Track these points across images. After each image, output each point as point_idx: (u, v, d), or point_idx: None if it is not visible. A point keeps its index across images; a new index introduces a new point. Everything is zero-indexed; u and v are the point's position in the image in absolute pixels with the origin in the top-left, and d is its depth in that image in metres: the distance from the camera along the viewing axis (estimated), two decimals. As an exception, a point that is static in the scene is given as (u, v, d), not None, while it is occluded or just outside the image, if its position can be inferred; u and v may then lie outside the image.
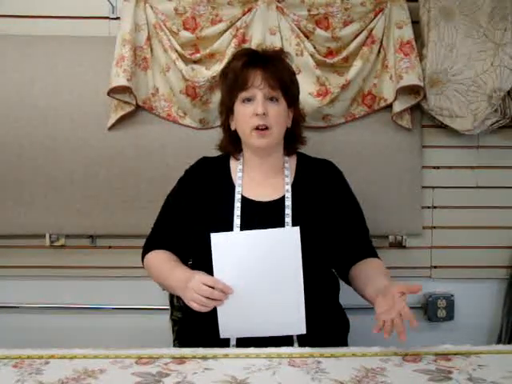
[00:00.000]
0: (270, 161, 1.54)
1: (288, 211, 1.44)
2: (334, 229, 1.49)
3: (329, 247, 1.48)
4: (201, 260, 1.45)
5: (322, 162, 1.60)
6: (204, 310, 1.30)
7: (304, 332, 1.30)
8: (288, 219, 1.43)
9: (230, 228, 1.42)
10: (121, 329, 2.15)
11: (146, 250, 1.57)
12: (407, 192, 2.05)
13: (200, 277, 1.31)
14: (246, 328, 1.32)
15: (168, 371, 1.14)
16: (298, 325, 1.30)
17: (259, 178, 1.54)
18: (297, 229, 1.27)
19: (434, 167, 2.11)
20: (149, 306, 2.14)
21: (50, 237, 2.05)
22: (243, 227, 1.42)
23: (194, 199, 1.52)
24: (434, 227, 2.13)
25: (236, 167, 1.55)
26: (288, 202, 1.46)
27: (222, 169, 1.57)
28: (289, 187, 1.49)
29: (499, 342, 2.14)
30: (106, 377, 1.12)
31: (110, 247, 2.11)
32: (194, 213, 1.51)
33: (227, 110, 1.54)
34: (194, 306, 1.31)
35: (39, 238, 2.06)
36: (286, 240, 1.27)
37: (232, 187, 1.51)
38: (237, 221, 1.43)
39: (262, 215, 1.44)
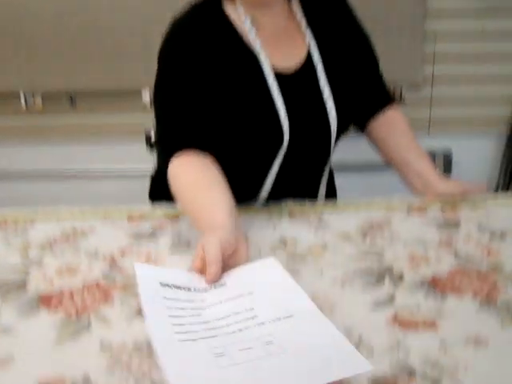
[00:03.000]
0: (274, 13, 1.16)
1: (323, 81, 1.16)
2: (356, 77, 1.24)
3: (356, 104, 1.25)
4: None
5: None
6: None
7: (370, 368, 0.68)
8: (327, 92, 1.15)
9: (272, 110, 1.10)
10: (106, 195, 2.09)
11: (171, 153, 1.08)
12: (408, 40, 1.93)
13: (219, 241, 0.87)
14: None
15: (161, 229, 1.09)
16: (354, 359, 0.71)
17: (270, 38, 1.15)
18: (273, 259, 0.90)
19: (438, 12, 1.96)
20: (136, 171, 2.06)
21: (25, 96, 1.90)
22: (288, 109, 1.11)
23: (205, 71, 1.12)
24: (435, 79, 2.03)
25: (239, 18, 1.13)
26: (320, 67, 1.16)
27: (222, 22, 1.14)
28: (314, 47, 1.17)
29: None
30: (96, 235, 1.06)
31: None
32: (212, 89, 1.11)
33: None
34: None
35: (14, 99, 1.92)
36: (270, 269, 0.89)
37: (244, 48, 1.13)
38: (278, 100, 1.11)
39: (293, 89, 1.13)
